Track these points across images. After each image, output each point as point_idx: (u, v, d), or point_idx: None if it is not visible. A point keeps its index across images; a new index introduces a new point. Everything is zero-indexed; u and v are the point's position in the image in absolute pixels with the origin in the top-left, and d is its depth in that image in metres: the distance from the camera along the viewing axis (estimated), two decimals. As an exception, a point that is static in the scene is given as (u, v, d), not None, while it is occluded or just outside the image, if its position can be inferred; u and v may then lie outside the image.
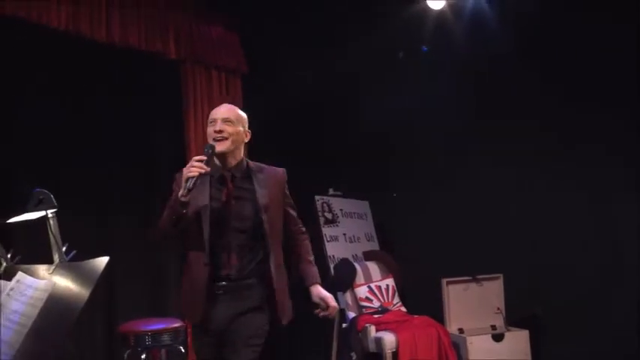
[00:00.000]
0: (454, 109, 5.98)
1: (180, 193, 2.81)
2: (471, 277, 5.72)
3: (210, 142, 3.02)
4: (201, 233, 2.97)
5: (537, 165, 5.63)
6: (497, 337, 5.42)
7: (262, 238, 3.04)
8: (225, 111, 3.11)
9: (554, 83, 5.43)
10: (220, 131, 3.02)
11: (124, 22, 5.12)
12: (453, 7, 5.65)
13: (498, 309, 5.63)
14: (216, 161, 3.06)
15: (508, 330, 5.52)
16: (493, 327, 5.60)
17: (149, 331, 4.33)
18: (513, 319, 5.61)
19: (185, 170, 2.83)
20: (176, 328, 4.40)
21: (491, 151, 5.87)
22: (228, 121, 3.06)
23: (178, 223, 2.92)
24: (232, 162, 3.08)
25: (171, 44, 5.47)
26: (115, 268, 2.60)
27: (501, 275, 5.70)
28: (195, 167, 2.81)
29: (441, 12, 5.66)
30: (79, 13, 4.78)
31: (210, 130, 3.07)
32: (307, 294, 3.17)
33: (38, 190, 2.62)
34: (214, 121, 3.06)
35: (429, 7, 5.59)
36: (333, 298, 3.14)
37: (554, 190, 5.52)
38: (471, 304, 5.67)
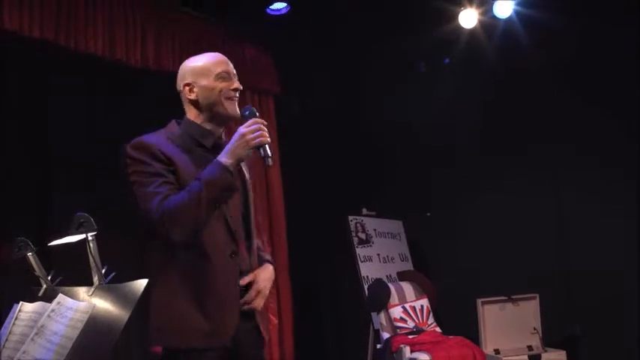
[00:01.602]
0: (488, 128, 5.95)
1: (232, 162, 2.22)
2: (506, 297, 5.64)
3: (222, 100, 2.43)
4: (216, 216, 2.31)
5: (574, 183, 5.58)
6: (534, 358, 5.34)
7: (249, 223, 2.49)
8: (227, 62, 2.53)
9: (592, 101, 5.40)
10: (237, 89, 2.47)
11: (158, 45, 5.20)
12: (484, 26, 5.65)
13: (535, 329, 5.55)
14: (210, 127, 2.47)
15: (545, 350, 5.43)
16: (529, 347, 5.51)
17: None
18: (550, 340, 5.52)
19: (252, 135, 2.23)
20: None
21: (526, 170, 5.83)
22: (237, 77, 2.51)
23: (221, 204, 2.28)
24: (222, 127, 2.50)
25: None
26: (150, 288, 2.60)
27: (537, 295, 5.61)
28: (265, 132, 2.27)
29: (473, 30, 5.68)
30: (115, 39, 4.87)
31: (222, 85, 2.43)
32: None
33: (79, 213, 2.65)
34: (228, 74, 2.46)
35: (461, 27, 5.61)
36: (266, 288, 2.39)
37: (590, 209, 5.46)
38: (507, 324, 5.59)
